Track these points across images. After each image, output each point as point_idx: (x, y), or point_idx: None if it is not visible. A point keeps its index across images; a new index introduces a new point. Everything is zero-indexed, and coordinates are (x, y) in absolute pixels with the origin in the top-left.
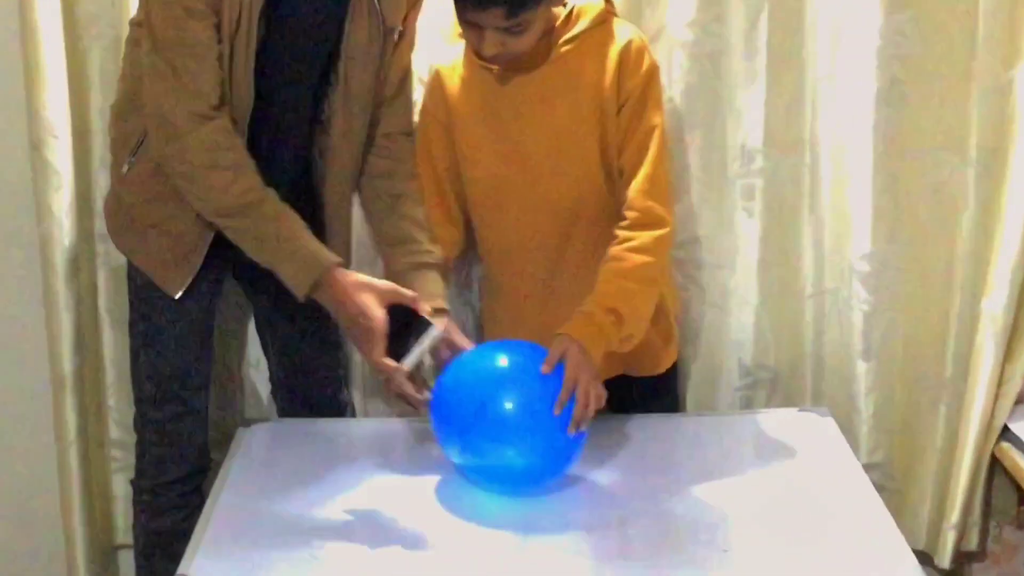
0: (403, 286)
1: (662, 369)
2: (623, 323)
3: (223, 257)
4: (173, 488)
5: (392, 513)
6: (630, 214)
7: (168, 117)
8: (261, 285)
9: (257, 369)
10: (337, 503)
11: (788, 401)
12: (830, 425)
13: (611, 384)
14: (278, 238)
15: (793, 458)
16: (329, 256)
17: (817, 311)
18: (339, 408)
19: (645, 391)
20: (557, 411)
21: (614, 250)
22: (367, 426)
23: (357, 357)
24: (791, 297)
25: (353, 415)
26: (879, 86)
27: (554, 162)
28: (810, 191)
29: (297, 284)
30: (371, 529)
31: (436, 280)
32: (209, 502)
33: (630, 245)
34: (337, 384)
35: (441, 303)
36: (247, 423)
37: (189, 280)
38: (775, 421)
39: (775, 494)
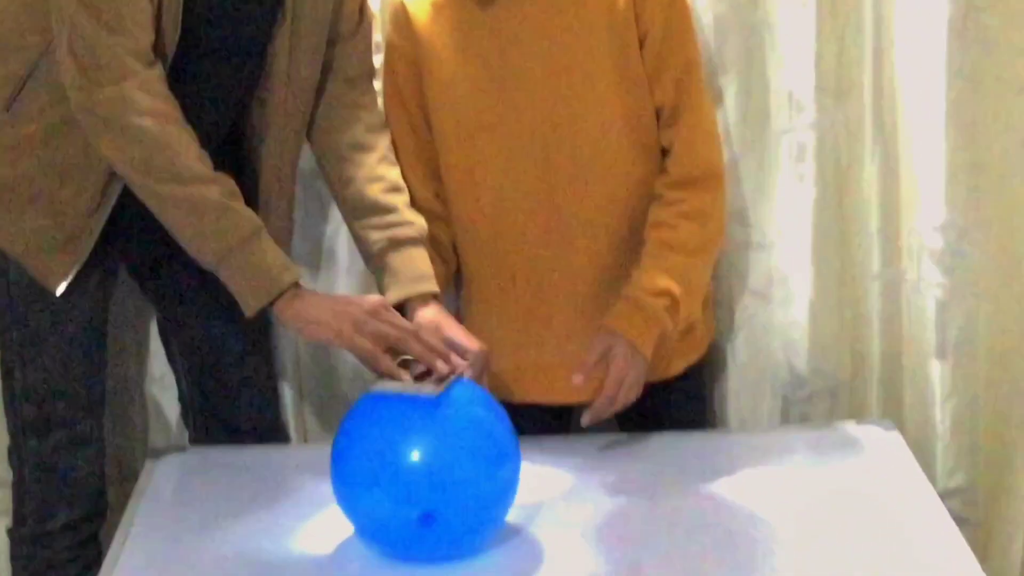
0: (382, 269)
1: (676, 371)
2: (678, 307)
3: (116, 244)
4: (62, 537)
5: (344, 561)
6: (675, 168)
7: (102, 57)
8: (166, 279)
9: (162, 386)
10: (272, 551)
11: (846, 411)
12: (897, 442)
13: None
14: (239, 229)
15: (851, 484)
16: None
17: (882, 298)
18: (270, 432)
19: (663, 400)
20: (587, 421)
21: (661, 214)
22: (307, 454)
23: (292, 368)
24: (850, 282)
25: (288, 440)
26: (951, 14)
27: (556, 110)
28: (871, 147)
29: (254, 294)
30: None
31: (420, 258)
32: (109, 555)
33: (680, 209)
34: (267, 402)
35: (430, 286)
36: (155, 453)
37: (75, 271)
38: (829, 438)
39: (830, 529)
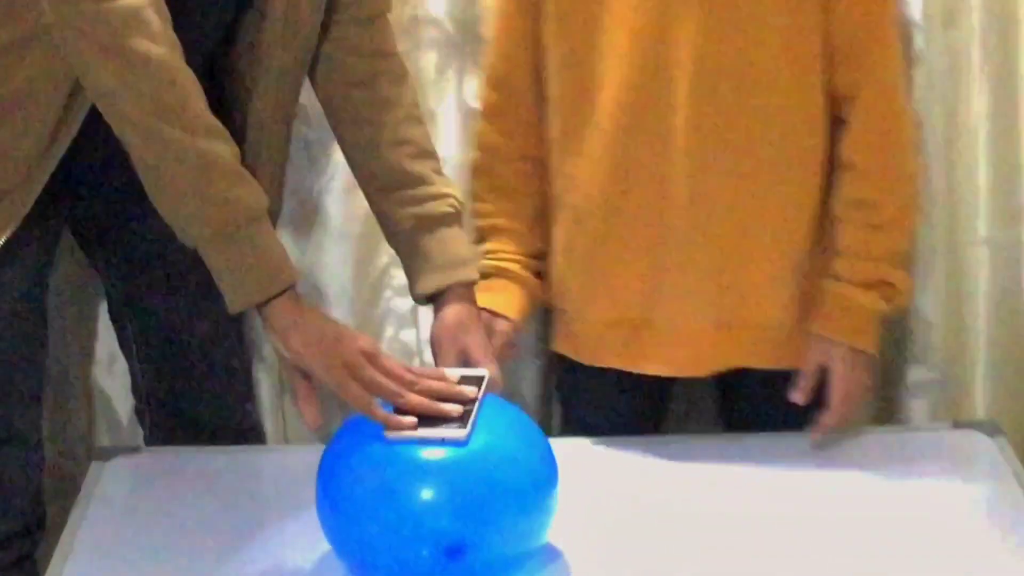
0: (411, 251)
1: (791, 362)
2: (897, 292)
3: (60, 202)
4: None
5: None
6: (864, 123)
7: None
8: (120, 245)
9: (111, 374)
10: (243, 570)
11: (945, 408)
12: (1002, 449)
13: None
14: (248, 204)
15: (941, 500)
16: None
17: (989, 267)
18: (241, 430)
19: (760, 395)
20: (815, 436)
21: (855, 189)
22: (286, 456)
23: (269, 355)
24: (954, 250)
25: (263, 440)
26: None
27: (740, 80)
28: (979, 78)
29: (246, 287)
30: None
31: (456, 239)
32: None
33: (879, 181)
34: (239, 394)
35: (469, 273)
36: (102, 455)
37: (7, 233)
38: (920, 442)
39: (916, 553)
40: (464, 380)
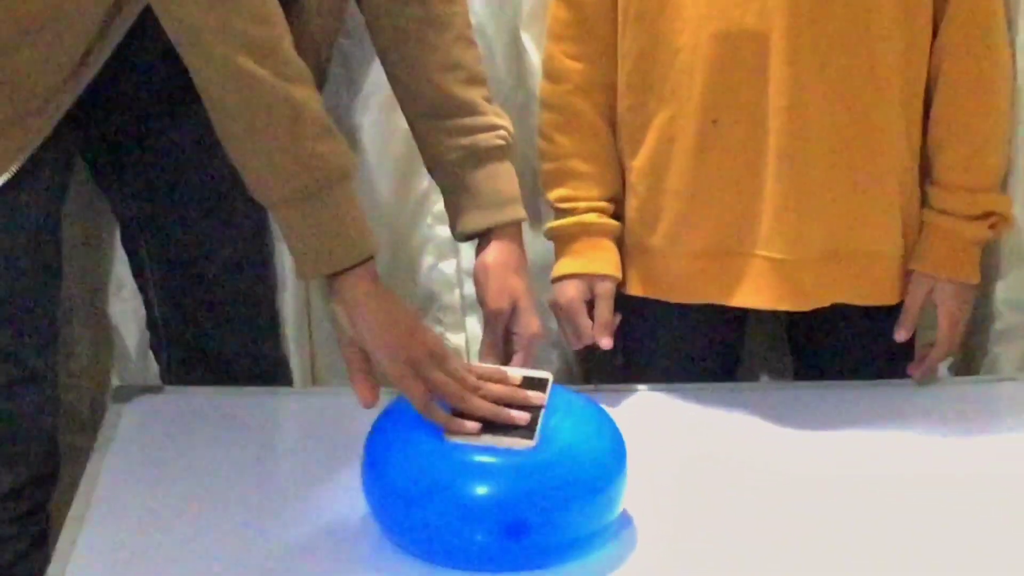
0: (456, 186)
1: (896, 297)
2: (1002, 220)
3: (77, 126)
4: (2, 508)
5: (362, 537)
6: (949, 64)
7: None
8: (137, 168)
9: (123, 306)
10: (272, 526)
11: None
12: None
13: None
14: (336, 162)
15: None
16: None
17: None
18: (268, 370)
19: (866, 333)
20: (920, 376)
21: (952, 111)
22: (315, 400)
23: (296, 287)
24: None
25: (290, 381)
26: None
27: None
28: None
29: (323, 255)
30: (316, 559)
31: (506, 175)
32: (65, 531)
33: (981, 102)
34: (264, 329)
35: (517, 212)
36: (120, 396)
37: (23, 159)
38: (1005, 394)
39: (1008, 511)
40: (527, 382)
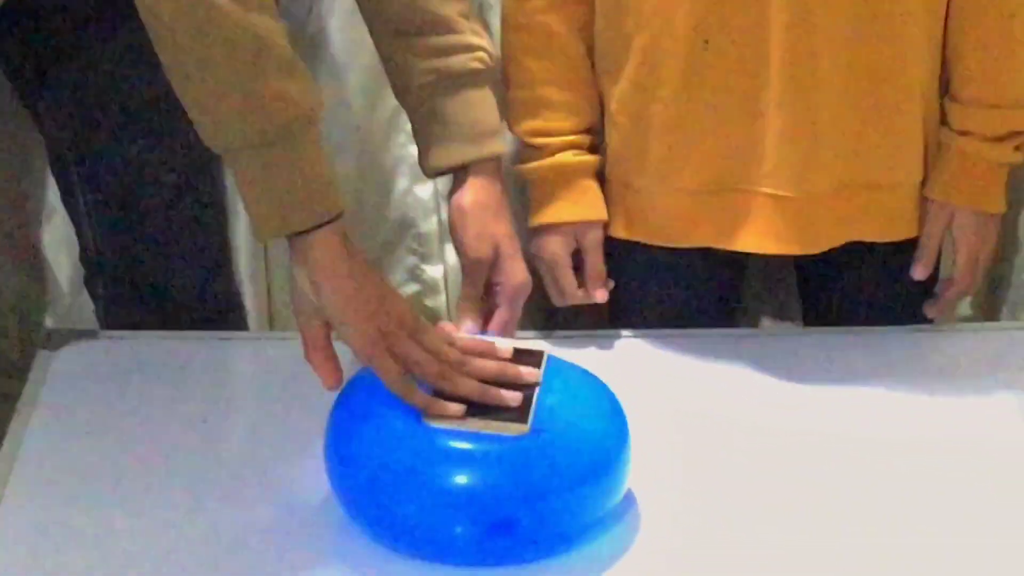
0: (428, 113)
1: (915, 231)
2: None
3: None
4: None
5: (316, 513)
6: None
7: None
8: (66, 85)
9: (53, 236)
10: (219, 492)
11: None
12: None
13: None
14: (303, 104)
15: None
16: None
17: None
18: (218, 309)
19: (881, 273)
20: (936, 313)
21: (966, 14)
22: (274, 347)
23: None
24: None
25: (244, 325)
26: None
27: None
28: None
29: (286, 210)
30: (271, 539)
31: (484, 103)
32: None
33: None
34: (213, 263)
35: (497, 146)
36: (53, 340)
37: None
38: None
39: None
40: (519, 355)
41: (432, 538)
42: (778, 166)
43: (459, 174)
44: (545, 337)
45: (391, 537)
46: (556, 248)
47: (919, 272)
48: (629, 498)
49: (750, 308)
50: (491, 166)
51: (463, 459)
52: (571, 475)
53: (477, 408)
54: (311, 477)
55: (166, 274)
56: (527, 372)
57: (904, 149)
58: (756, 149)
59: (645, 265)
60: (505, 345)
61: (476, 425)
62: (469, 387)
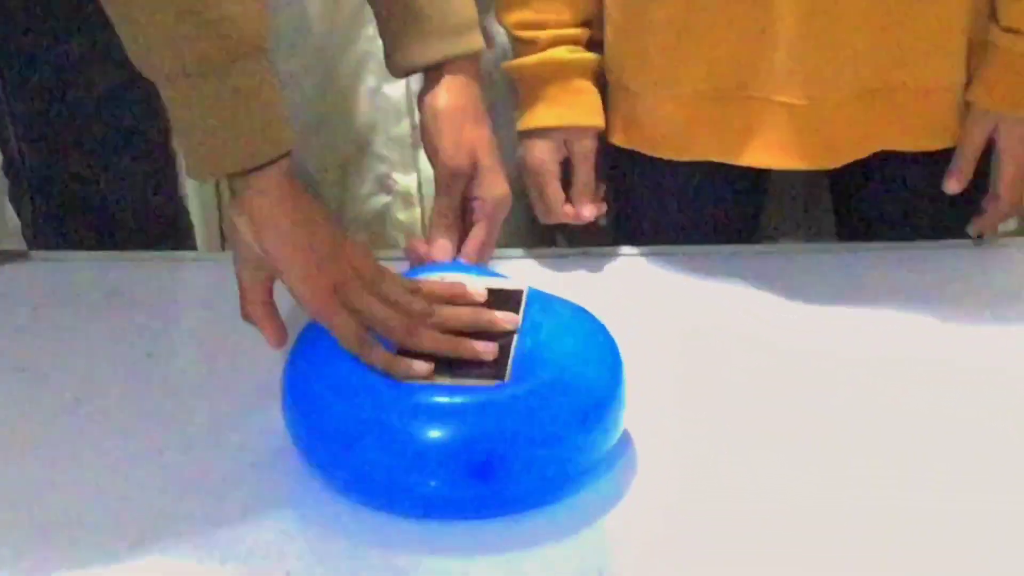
0: (396, 8)
1: (952, 140)
2: None
3: None
4: None
5: (273, 459)
6: None
7: None
8: None
9: None
10: (164, 433)
11: None
12: None
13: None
14: (247, 30)
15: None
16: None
17: None
18: (162, 228)
19: (921, 186)
20: (976, 231)
21: None
22: (223, 269)
23: None
24: None
25: (192, 244)
26: None
27: None
28: None
29: (227, 148)
30: (223, 488)
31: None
32: None
33: None
34: (157, 178)
35: (475, 42)
36: None
37: None
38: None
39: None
40: (496, 297)
41: (405, 494)
42: (791, 70)
43: (432, 73)
44: (533, 256)
45: (360, 492)
46: (542, 155)
47: (952, 185)
48: (625, 440)
49: (777, 232)
50: (468, 64)
51: (433, 413)
52: (554, 427)
53: (447, 363)
54: (269, 418)
55: (102, 186)
56: (504, 318)
57: (942, 48)
58: (765, 50)
59: (650, 177)
60: (478, 287)
61: (447, 383)
62: (437, 341)
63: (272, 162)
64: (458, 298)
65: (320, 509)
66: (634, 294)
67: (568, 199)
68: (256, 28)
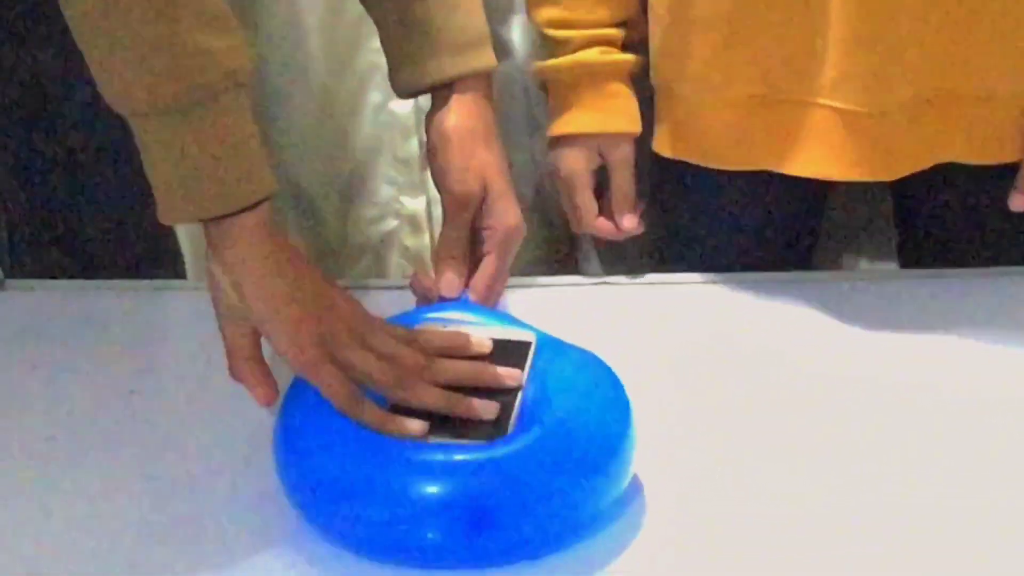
0: (403, 24)
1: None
2: None
3: None
4: None
5: (264, 506)
6: None
7: None
8: None
9: None
10: (147, 477)
11: None
12: None
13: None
14: (228, 62)
15: None
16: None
17: None
18: (148, 252)
19: (983, 200)
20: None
21: None
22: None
23: None
24: None
25: (180, 271)
26: None
27: None
28: None
29: (204, 189)
30: (209, 535)
31: (471, 4)
32: None
33: None
34: (142, 198)
35: (487, 59)
36: None
37: None
38: None
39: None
40: (501, 349)
41: (403, 549)
42: (845, 73)
43: (441, 92)
44: (556, 283)
45: (356, 545)
46: (574, 164)
47: (1017, 202)
48: (635, 486)
49: (834, 246)
50: (480, 83)
51: (425, 470)
52: (552, 483)
53: (444, 421)
54: (260, 459)
55: (82, 210)
56: (506, 374)
57: (1005, 53)
58: (818, 52)
59: (700, 197)
60: (482, 337)
61: (442, 442)
62: (432, 398)
63: (250, 207)
64: (459, 349)
65: (314, 560)
66: (664, 328)
67: (602, 211)
68: (237, 63)
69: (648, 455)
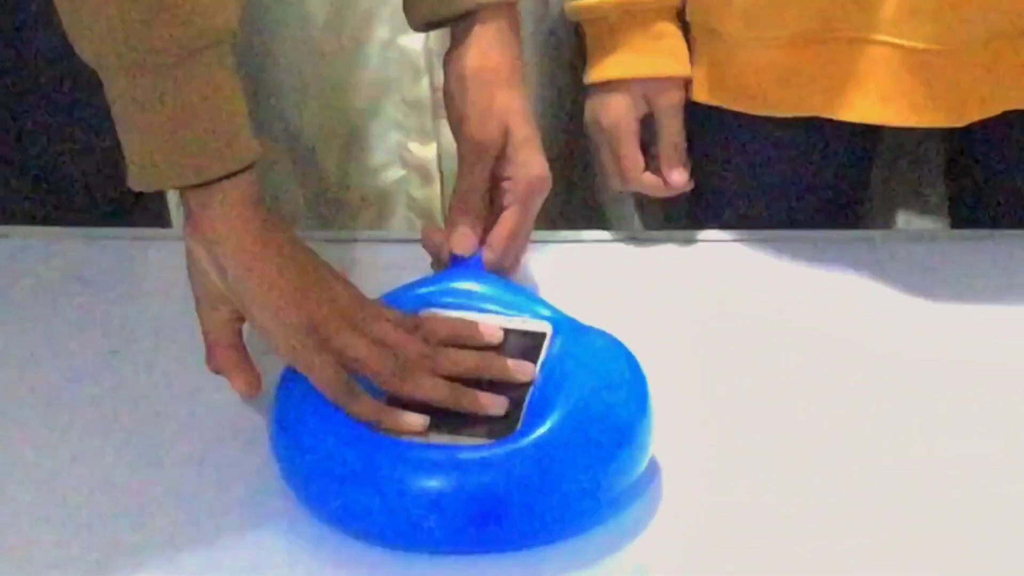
0: None
1: None
2: None
3: None
4: None
5: (262, 487)
6: None
7: None
8: None
9: None
10: (133, 443)
11: None
12: None
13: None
14: (216, 16)
15: None
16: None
17: None
18: (130, 198)
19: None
20: None
21: None
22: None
23: None
24: None
25: (166, 218)
26: None
27: None
28: None
29: (177, 159)
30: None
31: None
32: None
33: None
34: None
35: None
36: None
37: None
38: None
39: None
40: (515, 339)
41: (400, 529)
42: (905, 7)
43: (459, 26)
44: (581, 239)
45: (357, 532)
46: (619, 112)
47: None
48: (653, 467)
49: (879, 204)
50: (504, 15)
51: (431, 465)
52: (564, 476)
53: (447, 417)
54: (254, 427)
55: (59, 152)
56: (517, 368)
57: None
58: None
59: (740, 146)
60: (492, 326)
61: (445, 442)
62: (434, 389)
63: (232, 175)
64: (466, 339)
65: (311, 541)
66: (689, 287)
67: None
68: (224, 15)
69: (667, 434)
